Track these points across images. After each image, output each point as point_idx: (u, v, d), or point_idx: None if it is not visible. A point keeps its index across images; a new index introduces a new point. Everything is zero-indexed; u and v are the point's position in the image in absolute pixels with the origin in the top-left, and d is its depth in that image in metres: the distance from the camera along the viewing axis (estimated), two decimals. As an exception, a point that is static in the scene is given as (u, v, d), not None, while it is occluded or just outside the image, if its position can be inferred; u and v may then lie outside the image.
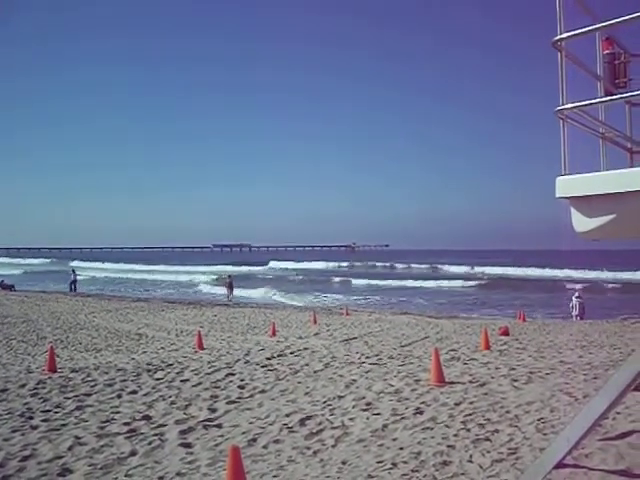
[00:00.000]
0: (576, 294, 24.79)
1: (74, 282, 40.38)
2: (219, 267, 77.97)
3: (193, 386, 8.04)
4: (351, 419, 6.23)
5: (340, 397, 7.21)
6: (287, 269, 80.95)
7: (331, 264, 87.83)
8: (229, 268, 72.89)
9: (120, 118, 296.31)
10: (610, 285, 43.77)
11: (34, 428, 6.09)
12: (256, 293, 41.35)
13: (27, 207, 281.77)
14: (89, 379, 8.52)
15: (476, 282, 50.71)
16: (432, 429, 5.73)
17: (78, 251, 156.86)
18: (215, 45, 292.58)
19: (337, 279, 57.83)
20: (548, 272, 56.20)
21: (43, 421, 6.36)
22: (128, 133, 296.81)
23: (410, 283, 50.95)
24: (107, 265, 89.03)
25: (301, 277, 61.90)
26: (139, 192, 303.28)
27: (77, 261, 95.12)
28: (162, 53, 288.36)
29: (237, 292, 36.64)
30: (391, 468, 4.71)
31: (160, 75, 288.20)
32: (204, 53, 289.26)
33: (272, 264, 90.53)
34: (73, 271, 43.21)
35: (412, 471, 4.61)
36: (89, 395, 7.55)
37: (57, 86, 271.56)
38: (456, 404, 6.63)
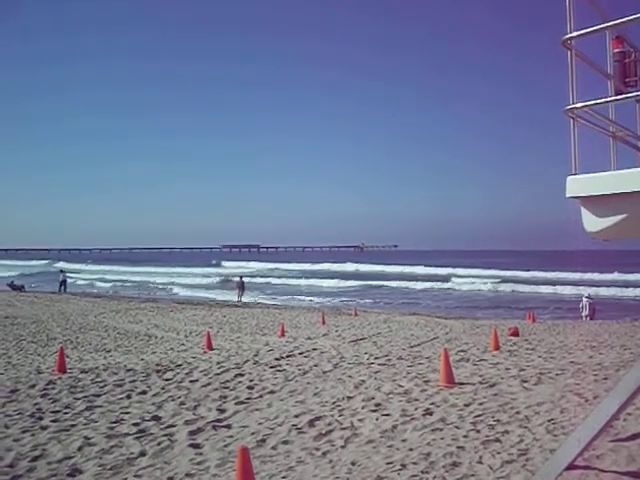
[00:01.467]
0: (586, 294, 24.71)
1: (64, 282, 40.43)
2: (203, 269, 77.67)
3: (202, 387, 8.05)
4: (360, 420, 6.22)
5: (349, 398, 7.20)
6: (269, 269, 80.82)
7: (321, 265, 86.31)
8: (212, 270, 74.17)
9: (121, 116, 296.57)
10: (620, 286, 43.45)
11: (44, 428, 6.12)
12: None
13: (26, 206, 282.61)
14: (98, 380, 8.56)
15: (485, 283, 50.51)
16: (442, 430, 5.70)
17: (87, 252, 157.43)
18: (230, 40, 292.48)
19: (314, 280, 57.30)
20: (558, 273, 55.80)
21: (53, 421, 6.38)
22: (128, 129, 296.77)
23: (419, 285, 50.84)
24: (90, 267, 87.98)
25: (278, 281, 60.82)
26: (146, 190, 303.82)
27: (62, 262, 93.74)
28: (165, 47, 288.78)
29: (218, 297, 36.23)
30: (400, 469, 4.69)
31: (158, 67, 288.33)
32: (213, 48, 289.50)
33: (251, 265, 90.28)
34: (61, 271, 43.38)
35: (422, 472, 4.60)
36: (98, 396, 7.58)
37: (49, 81, 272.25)
38: (466, 405, 6.61)
